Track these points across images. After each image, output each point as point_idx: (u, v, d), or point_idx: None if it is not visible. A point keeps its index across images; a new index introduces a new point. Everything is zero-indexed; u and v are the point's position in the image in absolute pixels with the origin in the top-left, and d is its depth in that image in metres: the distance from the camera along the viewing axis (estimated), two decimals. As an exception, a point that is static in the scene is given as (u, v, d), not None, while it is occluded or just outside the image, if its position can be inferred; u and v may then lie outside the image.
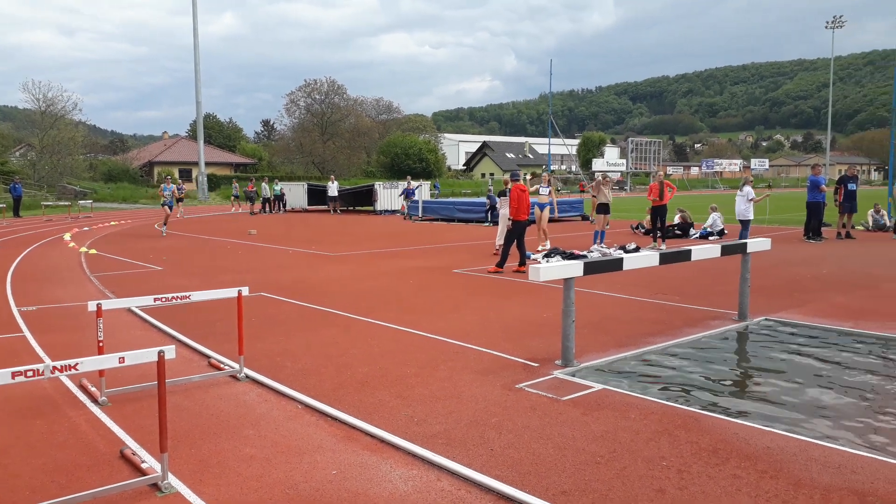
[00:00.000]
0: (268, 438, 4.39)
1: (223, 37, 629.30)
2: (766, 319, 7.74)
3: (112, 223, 26.70)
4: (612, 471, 3.79)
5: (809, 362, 6.14)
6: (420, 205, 28.57)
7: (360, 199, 35.61)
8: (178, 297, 5.43)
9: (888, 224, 19.84)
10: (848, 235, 17.45)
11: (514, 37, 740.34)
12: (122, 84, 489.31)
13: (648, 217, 17.66)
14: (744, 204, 15.31)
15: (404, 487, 3.65)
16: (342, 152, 69.27)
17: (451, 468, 3.84)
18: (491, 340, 6.82)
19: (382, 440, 4.30)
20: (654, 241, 15.65)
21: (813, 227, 16.85)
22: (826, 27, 53.69)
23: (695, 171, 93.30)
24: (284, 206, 36.25)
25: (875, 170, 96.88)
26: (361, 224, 26.12)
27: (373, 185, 34.26)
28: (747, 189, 15.41)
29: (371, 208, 33.54)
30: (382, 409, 4.86)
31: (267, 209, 35.50)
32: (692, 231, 18.55)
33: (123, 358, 3.52)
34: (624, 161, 70.14)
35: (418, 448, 4.12)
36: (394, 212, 32.44)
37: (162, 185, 22.56)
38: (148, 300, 5.41)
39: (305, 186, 36.91)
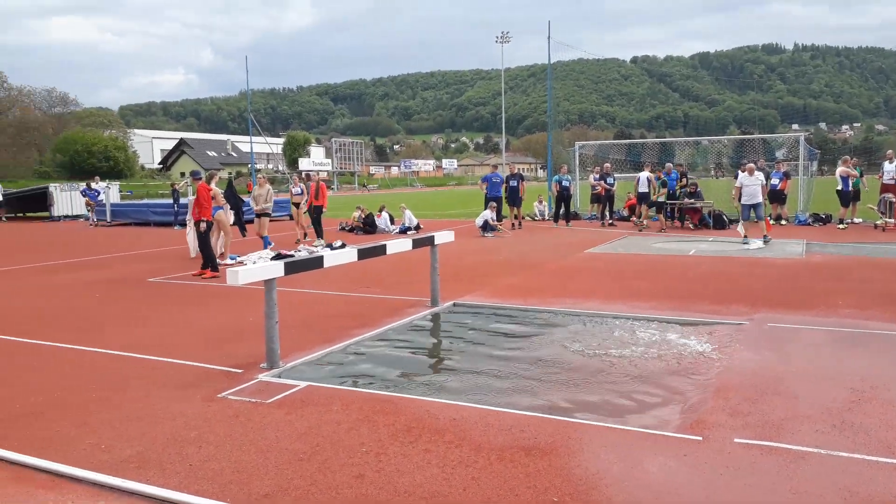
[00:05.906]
0: None
1: None
2: (454, 304, 8.55)
3: None
4: (314, 465, 3.88)
5: (490, 338, 6.95)
6: (108, 208, 25.80)
7: (31, 205, 30.93)
8: None
9: (547, 215, 23.30)
10: (519, 225, 20.06)
11: (210, 30, 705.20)
12: None
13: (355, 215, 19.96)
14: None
15: (88, 523, 3.31)
16: (6, 150, 59.29)
17: (145, 492, 3.58)
18: (190, 351, 6.47)
19: (60, 474, 3.83)
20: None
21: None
22: (496, 42, 60.67)
23: (395, 170, 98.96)
24: None
25: (541, 167, 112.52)
26: (34, 232, 22.69)
27: (47, 188, 29.97)
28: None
29: (47, 214, 29.31)
30: (59, 441, 4.31)
31: None
32: (392, 227, 19.68)
33: None
34: (330, 161, 71.44)
35: (103, 476, 3.75)
36: (76, 217, 28.81)
37: None
38: None
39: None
